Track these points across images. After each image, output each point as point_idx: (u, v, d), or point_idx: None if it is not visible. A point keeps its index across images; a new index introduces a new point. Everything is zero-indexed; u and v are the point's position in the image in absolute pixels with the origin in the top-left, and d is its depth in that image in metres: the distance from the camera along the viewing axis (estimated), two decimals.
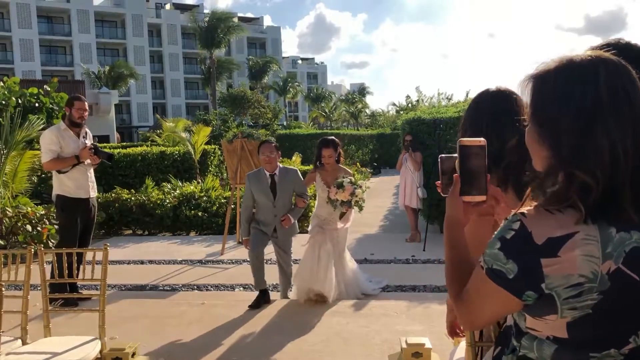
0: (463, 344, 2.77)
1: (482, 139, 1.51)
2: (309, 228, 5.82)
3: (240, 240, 5.28)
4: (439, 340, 4.11)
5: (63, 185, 5.55)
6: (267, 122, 33.02)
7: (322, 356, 4.22)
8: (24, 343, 3.43)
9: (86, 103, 5.57)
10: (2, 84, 14.79)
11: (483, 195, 1.49)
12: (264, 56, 55.02)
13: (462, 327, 1.64)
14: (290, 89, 55.48)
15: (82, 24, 53.05)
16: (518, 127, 2.11)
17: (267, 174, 5.43)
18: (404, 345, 3.53)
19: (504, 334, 1.48)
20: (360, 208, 5.59)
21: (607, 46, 1.97)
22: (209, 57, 45.24)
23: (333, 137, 5.73)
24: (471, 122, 2.18)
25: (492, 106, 2.15)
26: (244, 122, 28.64)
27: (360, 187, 5.46)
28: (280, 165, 5.53)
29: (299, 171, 5.63)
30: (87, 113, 5.56)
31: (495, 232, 1.27)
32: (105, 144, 20.82)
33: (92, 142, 5.65)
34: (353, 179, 5.47)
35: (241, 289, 6.39)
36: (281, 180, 5.44)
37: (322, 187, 5.65)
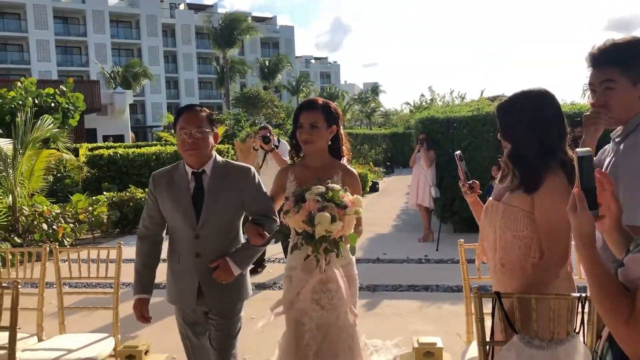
0: (475, 343, 2.77)
1: (589, 148, 1.48)
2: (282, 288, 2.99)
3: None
4: (450, 340, 4.10)
5: None
6: (280, 121, 33.08)
7: None
8: (39, 340, 3.49)
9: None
10: (19, 84, 15.00)
11: (596, 210, 1.40)
12: (275, 55, 55.08)
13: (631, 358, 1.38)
14: (303, 89, 55.51)
15: (97, 25, 53.49)
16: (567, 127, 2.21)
17: (189, 171, 2.77)
18: (416, 345, 3.52)
19: None
20: (335, 252, 2.56)
21: (630, 42, 1.97)
22: (222, 57, 45.43)
23: (327, 101, 2.93)
24: (530, 125, 2.17)
25: (552, 108, 2.21)
26: (257, 122, 28.70)
27: (342, 209, 2.48)
28: (220, 158, 2.84)
29: (254, 170, 2.86)
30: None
31: None
32: (119, 144, 21.01)
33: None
34: (337, 193, 2.52)
35: (253, 288, 6.40)
36: (215, 185, 2.74)
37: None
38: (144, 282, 2.87)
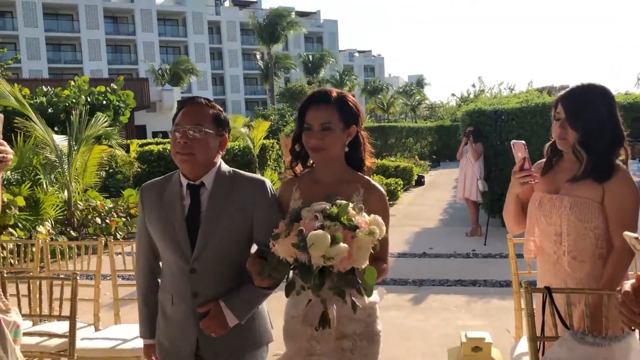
0: (524, 339, 2.73)
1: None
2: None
3: None
4: (499, 335, 4.06)
5: None
6: None
7: (380, 349, 4.23)
8: (96, 329, 3.64)
9: None
10: (72, 83, 15.53)
11: None
12: (319, 50, 55.14)
13: None
14: (347, 82, 55.39)
15: (146, 23, 54.73)
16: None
17: (184, 183, 2.15)
18: (464, 340, 3.49)
19: None
20: (357, 287, 1.78)
21: None
22: (266, 53, 45.82)
23: (343, 93, 2.17)
24: (604, 117, 2.21)
25: (615, 102, 2.26)
26: None
27: (351, 230, 1.73)
28: (227, 167, 2.20)
29: (270, 184, 2.19)
30: None
31: None
32: (168, 139, 21.48)
33: None
34: (345, 209, 1.78)
35: None
36: (217, 202, 2.12)
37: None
38: (147, 325, 2.27)
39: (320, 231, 1.69)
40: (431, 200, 12.91)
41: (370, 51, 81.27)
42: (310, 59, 51.16)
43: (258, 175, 2.22)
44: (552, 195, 2.29)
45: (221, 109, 2.17)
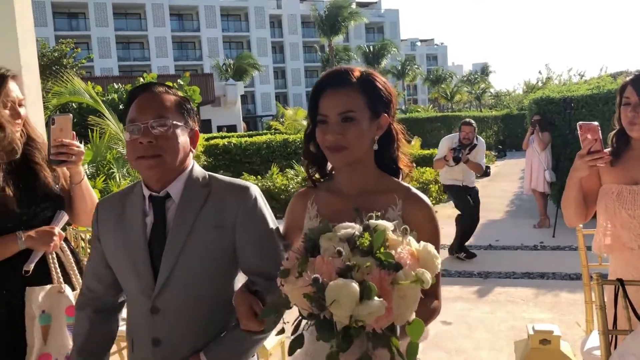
0: (595, 332, 2.66)
1: None
2: None
3: None
4: (569, 329, 3.96)
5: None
6: None
7: (446, 341, 4.22)
8: None
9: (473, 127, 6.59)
10: (142, 80, 16.12)
11: None
12: (380, 40, 54.75)
13: None
14: (409, 72, 54.74)
15: (209, 20, 56.01)
16: None
17: (146, 195, 1.63)
18: (531, 332, 3.42)
19: None
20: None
21: None
22: (327, 45, 45.94)
23: (369, 72, 1.56)
24: None
25: None
26: None
27: (390, 271, 1.15)
28: (201, 170, 1.69)
29: (257, 190, 1.65)
30: (471, 134, 6.54)
31: None
32: (232, 133, 21.93)
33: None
34: (382, 236, 1.18)
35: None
36: (186, 218, 1.58)
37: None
38: None
39: (341, 282, 1.13)
40: (497, 191, 12.63)
41: (432, 40, 79.97)
42: (371, 49, 50.89)
43: (241, 181, 1.69)
44: (632, 186, 2.18)
45: (182, 94, 1.69)
